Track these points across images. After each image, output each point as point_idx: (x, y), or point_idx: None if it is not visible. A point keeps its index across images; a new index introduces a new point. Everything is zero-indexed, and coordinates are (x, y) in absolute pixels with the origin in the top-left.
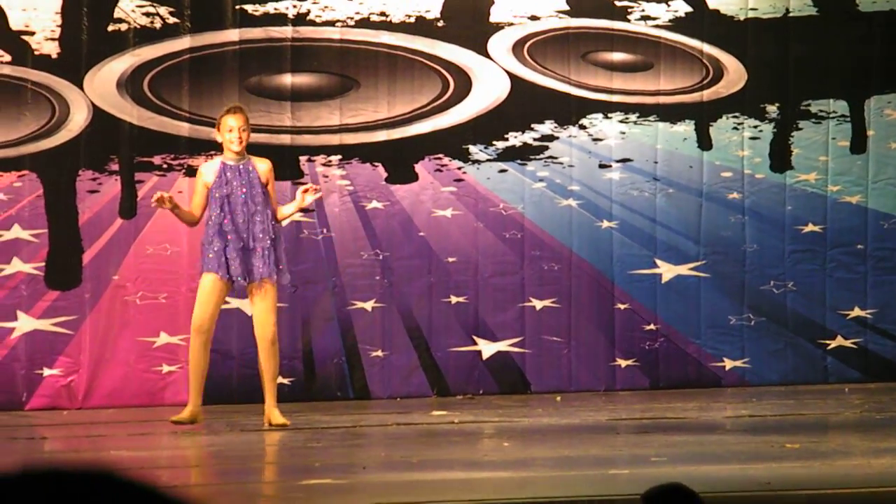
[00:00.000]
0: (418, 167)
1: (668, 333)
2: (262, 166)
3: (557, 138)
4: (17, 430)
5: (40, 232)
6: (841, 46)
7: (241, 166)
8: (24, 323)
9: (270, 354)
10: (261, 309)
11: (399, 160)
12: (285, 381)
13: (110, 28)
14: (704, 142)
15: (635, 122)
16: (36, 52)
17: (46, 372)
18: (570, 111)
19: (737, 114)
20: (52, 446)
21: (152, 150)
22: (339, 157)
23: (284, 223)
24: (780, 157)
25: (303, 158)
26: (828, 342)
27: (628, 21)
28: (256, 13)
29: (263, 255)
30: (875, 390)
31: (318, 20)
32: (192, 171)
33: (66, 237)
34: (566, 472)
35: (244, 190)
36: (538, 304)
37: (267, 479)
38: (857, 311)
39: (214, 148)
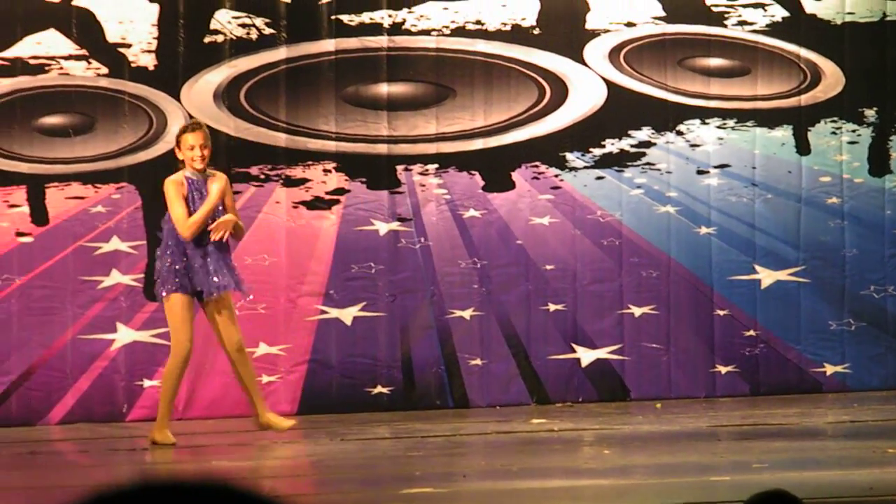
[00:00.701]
0: (515, 175)
1: (768, 339)
2: (219, 181)
3: (655, 144)
4: (118, 442)
5: (139, 244)
6: None
7: (200, 181)
8: (124, 335)
9: (243, 361)
10: (224, 319)
11: (496, 168)
12: (384, 390)
13: (207, 40)
14: (803, 147)
15: (733, 128)
16: (133, 65)
17: (146, 383)
18: (668, 117)
19: (835, 118)
20: (152, 457)
21: (249, 161)
22: (436, 165)
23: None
24: (878, 161)
25: (400, 168)
26: None
27: (725, 26)
28: (352, 23)
29: (221, 267)
30: None
31: (413, 29)
32: (289, 182)
33: None
34: (667, 480)
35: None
36: (637, 311)
37: (367, 488)
38: None
39: (312, 158)
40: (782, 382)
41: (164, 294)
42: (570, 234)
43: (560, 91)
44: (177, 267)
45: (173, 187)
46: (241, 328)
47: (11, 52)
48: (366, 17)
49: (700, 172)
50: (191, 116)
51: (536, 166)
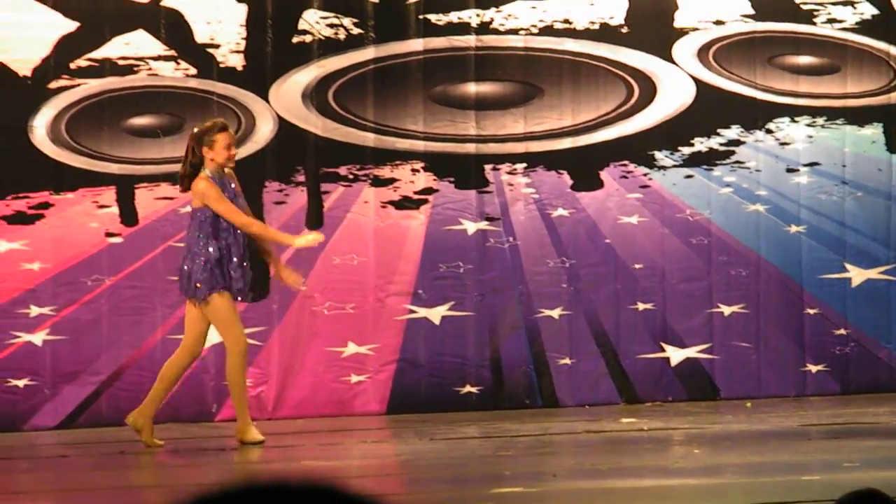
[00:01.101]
0: (604, 174)
1: (859, 338)
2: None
3: (744, 143)
4: (208, 442)
5: None
6: None
7: (225, 179)
8: (213, 334)
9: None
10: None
11: (584, 167)
12: (473, 389)
13: (295, 40)
14: (893, 144)
15: (822, 126)
16: (221, 65)
17: None
18: (757, 115)
19: None
20: (243, 457)
21: (338, 161)
22: (525, 165)
23: None
24: None
25: (488, 167)
26: None
27: (814, 24)
28: (440, 23)
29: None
30: None
31: (501, 28)
32: (378, 182)
33: (254, 249)
34: (757, 479)
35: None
36: (726, 310)
37: (457, 487)
38: None
39: (400, 157)
40: (873, 381)
41: (207, 294)
42: (659, 232)
43: (648, 89)
44: (212, 265)
45: (215, 189)
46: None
47: (100, 53)
48: (454, 17)
49: (790, 171)
50: (279, 117)
51: (625, 165)
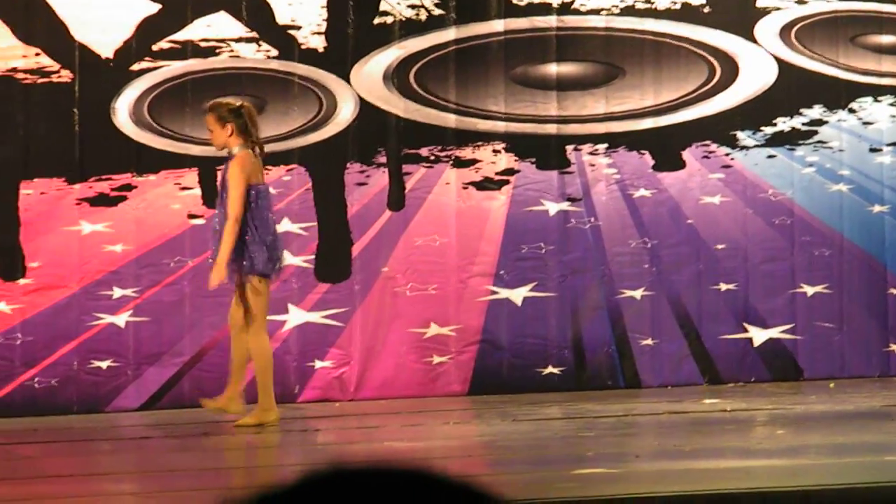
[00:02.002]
0: (685, 154)
1: None
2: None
3: (826, 123)
4: (291, 423)
5: (310, 225)
6: None
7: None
8: (296, 316)
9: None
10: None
11: (666, 147)
12: (555, 370)
13: (376, 21)
14: None
15: None
16: (302, 47)
17: (318, 364)
18: (840, 95)
19: None
20: (325, 438)
21: (419, 142)
22: (606, 145)
23: None
24: None
25: (569, 148)
26: None
27: None
28: (521, 3)
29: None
30: None
31: (582, 9)
32: (459, 163)
33: (336, 230)
34: (841, 460)
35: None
36: (809, 290)
37: (540, 468)
38: None
39: (481, 138)
40: None
41: (263, 275)
42: (742, 213)
43: (730, 69)
44: (266, 247)
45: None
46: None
47: (182, 35)
48: None
49: (873, 150)
50: (360, 98)
51: (707, 145)
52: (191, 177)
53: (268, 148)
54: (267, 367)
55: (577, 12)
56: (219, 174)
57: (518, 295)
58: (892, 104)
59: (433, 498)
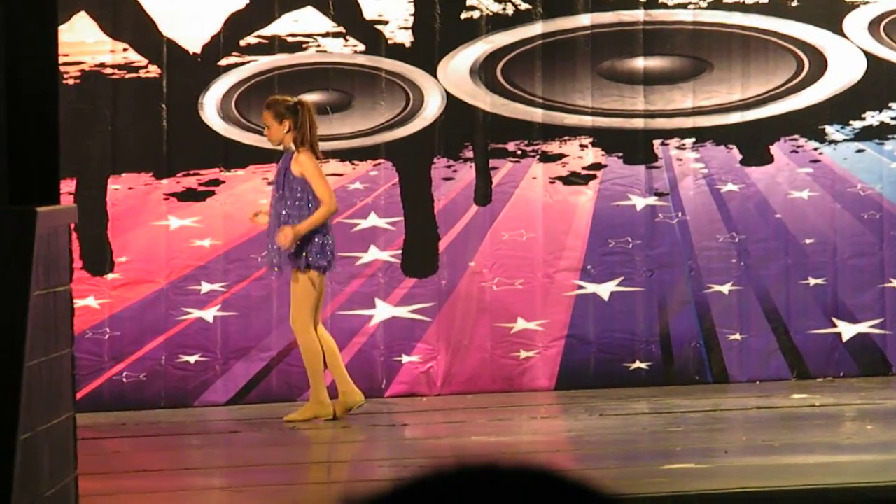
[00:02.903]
0: (773, 148)
1: None
2: (294, 159)
3: None
4: (378, 417)
5: (396, 220)
6: None
7: (285, 157)
8: (382, 310)
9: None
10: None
11: (754, 142)
12: (643, 365)
13: (463, 15)
14: None
15: None
16: (389, 41)
17: (405, 359)
18: None
19: None
20: (412, 433)
21: (506, 137)
22: (693, 139)
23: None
24: None
25: (656, 142)
26: None
27: None
28: None
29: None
30: None
31: (669, 3)
32: (546, 157)
33: (422, 225)
34: None
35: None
36: None
37: (628, 464)
38: None
39: (568, 133)
40: None
41: (317, 267)
42: (830, 207)
43: (819, 63)
44: (324, 242)
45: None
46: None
47: (270, 30)
48: None
49: None
50: (447, 93)
51: (795, 139)
52: None
53: (355, 143)
54: (317, 361)
55: (665, 6)
56: (274, 168)
57: (605, 290)
58: None
59: (554, 497)
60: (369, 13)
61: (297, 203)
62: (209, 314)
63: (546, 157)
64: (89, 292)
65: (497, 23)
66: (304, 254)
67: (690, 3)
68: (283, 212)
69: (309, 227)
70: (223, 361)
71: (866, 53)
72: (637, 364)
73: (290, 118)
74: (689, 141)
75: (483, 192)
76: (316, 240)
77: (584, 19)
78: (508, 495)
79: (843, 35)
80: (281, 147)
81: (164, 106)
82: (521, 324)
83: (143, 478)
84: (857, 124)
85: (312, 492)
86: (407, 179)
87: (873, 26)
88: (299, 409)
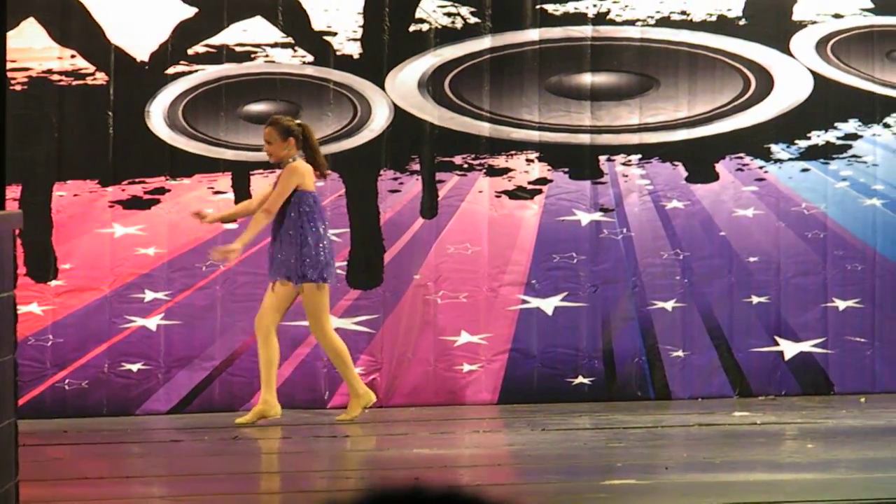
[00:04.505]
0: (719, 166)
1: None
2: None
3: (861, 137)
4: (320, 429)
5: (342, 231)
6: None
7: None
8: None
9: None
10: (306, 312)
11: (699, 159)
12: (585, 380)
13: (412, 28)
14: None
15: None
16: (338, 53)
17: None
18: (875, 109)
19: None
20: (354, 445)
21: (453, 150)
22: (639, 156)
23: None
24: None
25: (602, 158)
26: None
27: None
28: (557, 13)
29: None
30: None
31: (618, 19)
32: (492, 171)
33: (368, 236)
34: (871, 475)
35: None
36: (841, 305)
37: (569, 478)
38: None
39: (515, 147)
40: None
41: (321, 279)
42: (774, 226)
43: (765, 82)
44: (316, 254)
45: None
46: (435, 317)
47: (218, 40)
48: (570, 7)
49: None
50: (395, 105)
51: (741, 157)
52: (224, 181)
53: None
54: (344, 358)
55: (613, 23)
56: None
57: (549, 304)
58: None
59: None
60: (318, 24)
61: (290, 215)
62: (152, 322)
63: (492, 171)
64: (32, 299)
65: (446, 36)
66: (302, 267)
67: (638, 20)
68: (276, 226)
69: (247, 240)
70: (166, 370)
71: (813, 73)
72: (580, 379)
73: (294, 136)
74: (634, 157)
75: (429, 205)
76: (307, 251)
77: (533, 34)
78: None
79: (791, 54)
80: (279, 166)
81: (110, 113)
82: (464, 337)
83: (85, 485)
84: (803, 143)
85: (253, 502)
86: (353, 191)
87: (820, 46)
88: (347, 410)
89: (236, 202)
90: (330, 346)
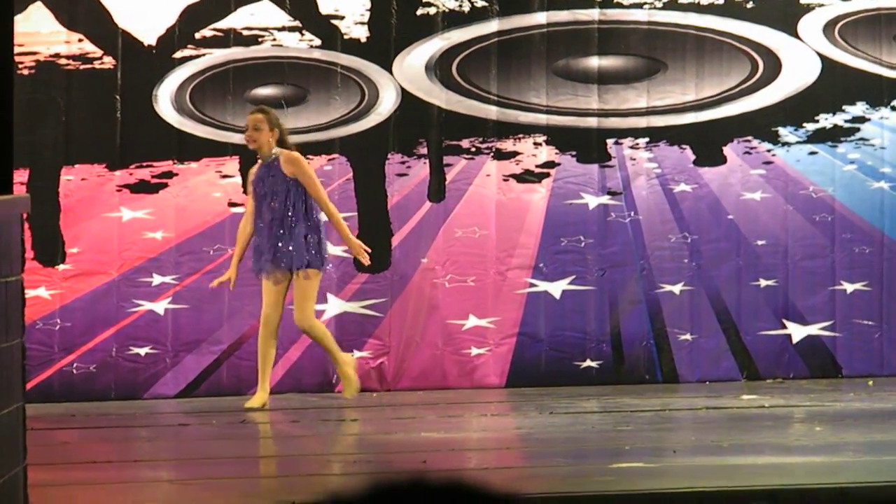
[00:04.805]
0: (727, 150)
1: None
2: (284, 160)
3: (869, 120)
4: (328, 412)
5: (350, 215)
6: None
7: (268, 164)
8: (334, 305)
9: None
10: (295, 297)
11: (707, 143)
12: (593, 363)
13: (419, 12)
14: None
15: None
16: (345, 37)
17: (356, 354)
18: (882, 92)
19: None
20: (362, 428)
21: (460, 134)
22: (647, 139)
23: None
24: None
25: (610, 141)
26: None
27: None
28: None
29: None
30: None
31: (625, 2)
32: (500, 155)
33: (376, 220)
34: (878, 458)
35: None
36: (849, 288)
37: (577, 462)
38: None
39: (523, 131)
40: None
41: (324, 267)
42: (782, 209)
43: (773, 65)
44: (320, 240)
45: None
46: (442, 301)
47: (225, 24)
48: None
49: None
50: (402, 89)
51: (748, 141)
52: (231, 165)
53: (309, 138)
54: (330, 339)
55: (620, 6)
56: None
57: (557, 288)
58: None
59: None
60: (325, 8)
61: (293, 204)
62: (160, 306)
63: (500, 155)
64: (40, 283)
65: (453, 20)
66: (307, 253)
67: (645, 3)
68: (278, 216)
69: (348, 233)
70: (173, 354)
71: (821, 56)
72: (588, 363)
73: (279, 129)
74: (642, 141)
75: (437, 189)
76: (311, 238)
77: (540, 17)
78: None
79: (798, 37)
80: (258, 155)
81: (118, 97)
82: (472, 321)
83: (93, 469)
84: (811, 126)
85: (261, 485)
86: (361, 175)
87: (828, 29)
88: (346, 389)
89: (244, 186)
90: (320, 331)
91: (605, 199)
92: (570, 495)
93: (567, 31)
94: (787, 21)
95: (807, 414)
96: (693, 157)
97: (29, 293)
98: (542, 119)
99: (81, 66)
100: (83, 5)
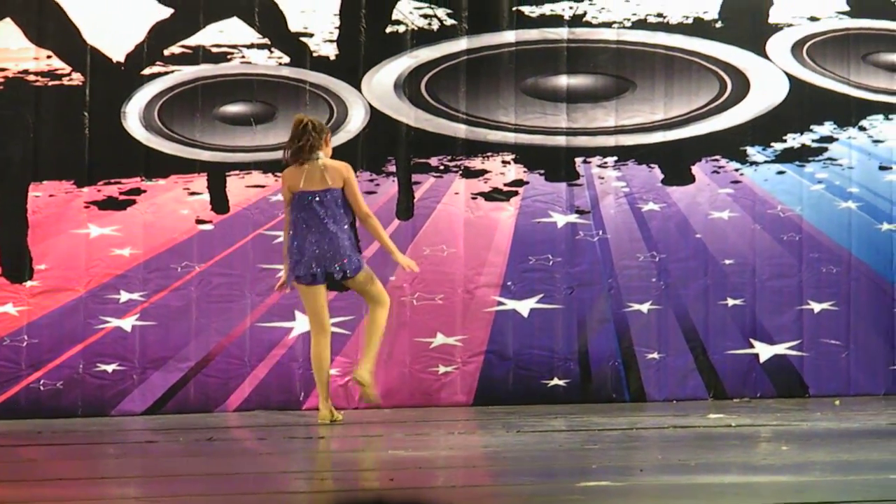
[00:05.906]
0: (695, 169)
1: None
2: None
3: (837, 140)
4: (295, 430)
5: None
6: None
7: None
8: (302, 323)
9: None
10: (365, 293)
11: (676, 162)
12: (561, 382)
13: (388, 30)
14: None
15: None
16: (314, 54)
17: None
18: (850, 112)
19: None
20: (329, 446)
21: (429, 152)
22: (615, 158)
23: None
24: None
25: (578, 160)
26: None
27: None
28: (533, 14)
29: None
30: None
31: (594, 21)
32: (468, 173)
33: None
34: (846, 477)
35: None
36: (816, 307)
37: (543, 480)
38: None
39: (491, 149)
40: None
41: (363, 266)
42: (750, 228)
43: (741, 85)
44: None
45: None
46: (410, 319)
47: (194, 40)
48: (546, 9)
49: (882, 168)
50: (371, 107)
51: (717, 160)
52: (200, 182)
53: (278, 155)
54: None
55: (589, 25)
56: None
57: (525, 306)
58: None
59: None
60: (295, 25)
61: (342, 213)
62: (127, 323)
63: (468, 173)
64: (8, 299)
65: (422, 38)
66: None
67: (614, 23)
68: (335, 225)
69: (392, 245)
70: (140, 371)
71: (789, 76)
72: (555, 381)
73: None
74: (610, 159)
75: (405, 207)
76: (352, 244)
77: (509, 36)
78: None
79: (767, 57)
80: (306, 163)
81: (86, 114)
82: (440, 339)
83: (59, 486)
84: (779, 146)
85: (229, 503)
86: None
87: (796, 49)
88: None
89: (212, 203)
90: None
91: (574, 218)
92: None
93: (536, 50)
94: (756, 41)
95: (773, 433)
96: (661, 176)
97: None
98: (510, 137)
99: (50, 83)
100: (52, 22)
